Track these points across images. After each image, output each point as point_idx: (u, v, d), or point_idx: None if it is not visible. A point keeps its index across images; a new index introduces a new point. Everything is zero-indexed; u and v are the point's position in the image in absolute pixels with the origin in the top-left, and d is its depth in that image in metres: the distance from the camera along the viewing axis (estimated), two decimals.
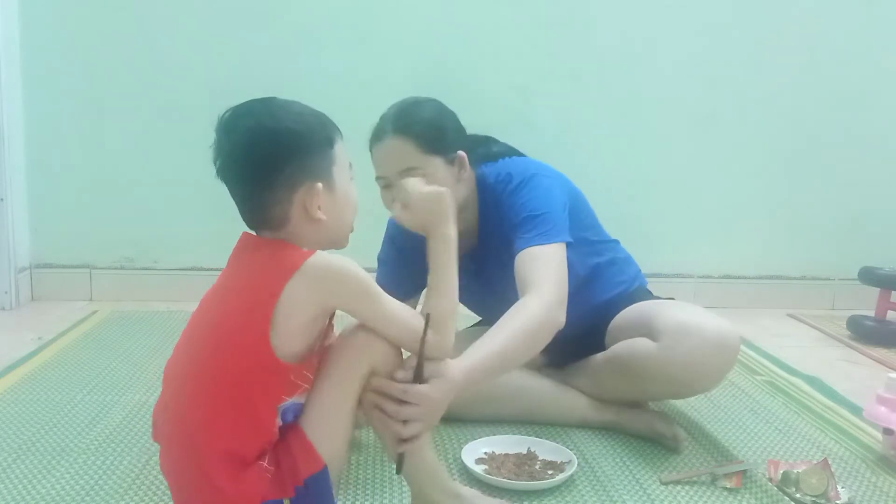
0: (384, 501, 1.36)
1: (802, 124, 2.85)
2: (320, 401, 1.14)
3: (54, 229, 2.71)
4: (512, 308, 1.41)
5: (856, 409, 1.83)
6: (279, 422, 1.12)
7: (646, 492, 1.43)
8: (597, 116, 2.77)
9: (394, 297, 1.19)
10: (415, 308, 1.22)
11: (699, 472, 1.49)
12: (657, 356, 1.51)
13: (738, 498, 1.41)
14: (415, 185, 1.28)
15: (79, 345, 2.22)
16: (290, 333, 1.08)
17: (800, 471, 1.43)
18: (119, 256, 2.75)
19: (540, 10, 2.70)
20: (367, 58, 2.66)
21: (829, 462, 1.46)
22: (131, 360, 2.08)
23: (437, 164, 1.53)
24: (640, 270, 1.83)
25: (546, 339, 1.42)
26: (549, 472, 1.46)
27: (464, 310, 1.69)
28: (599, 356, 1.68)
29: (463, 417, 1.66)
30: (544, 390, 1.70)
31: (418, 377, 1.17)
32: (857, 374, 2.19)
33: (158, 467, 1.43)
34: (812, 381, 2.07)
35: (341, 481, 1.40)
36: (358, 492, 1.39)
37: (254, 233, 1.15)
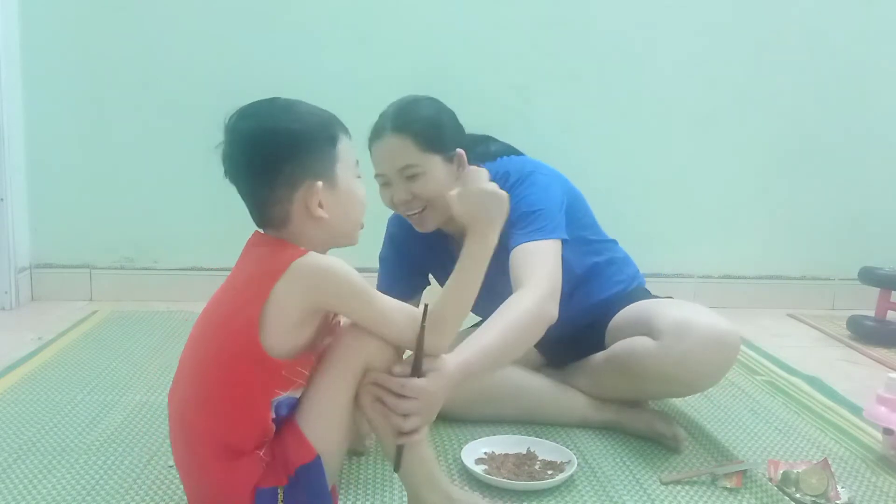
0: (384, 502, 1.36)
1: (802, 124, 2.85)
2: (314, 395, 1.16)
3: (54, 229, 2.71)
4: (505, 302, 1.41)
5: (856, 409, 1.83)
6: (273, 415, 1.15)
7: (646, 492, 1.43)
8: (597, 116, 2.77)
9: (395, 295, 1.20)
10: (417, 307, 1.22)
11: (699, 472, 1.49)
12: (657, 355, 1.51)
13: (738, 498, 1.41)
14: (483, 177, 1.26)
15: (79, 345, 2.21)
16: (280, 332, 1.10)
17: (800, 471, 1.43)
18: (119, 256, 2.75)
19: (540, 10, 2.70)
20: (367, 58, 2.66)
21: (829, 462, 1.46)
22: (132, 360, 2.08)
23: (435, 161, 1.54)
24: (638, 270, 1.83)
25: (539, 332, 1.42)
26: (549, 472, 1.46)
27: None
28: (599, 355, 1.68)
29: (463, 417, 1.66)
30: (544, 390, 1.70)
31: (416, 371, 1.18)
32: (857, 374, 2.19)
33: (159, 467, 1.46)
34: (812, 381, 2.07)
35: (342, 481, 1.41)
36: (359, 492, 1.39)
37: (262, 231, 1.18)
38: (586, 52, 2.74)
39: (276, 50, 2.64)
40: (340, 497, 1.36)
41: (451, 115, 1.60)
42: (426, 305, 1.16)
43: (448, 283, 1.20)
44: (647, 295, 1.77)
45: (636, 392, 1.68)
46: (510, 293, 1.44)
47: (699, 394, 1.76)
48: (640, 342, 1.56)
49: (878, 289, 2.53)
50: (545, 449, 1.54)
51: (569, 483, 1.44)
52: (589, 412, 1.69)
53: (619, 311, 1.70)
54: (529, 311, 1.40)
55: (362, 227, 1.22)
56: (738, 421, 1.78)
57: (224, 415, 1.12)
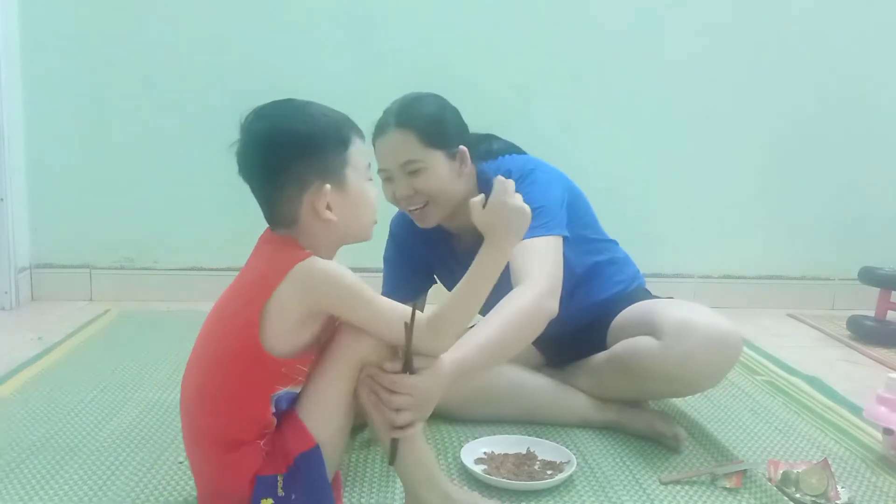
0: (384, 499, 1.36)
1: (802, 124, 2.85)
2: (314, 387, 1.19)
3: (54, 229, 2.71)
4: (504, 298, 1.41)
5: (856, 409, 1.83)
6: (273, 409, 1.18)
7: (646, 492, 1.42)
8: (597, 116, 2.77)
9: (400, 295, 1.21)
10: (422, 311, 1.22)
11: (699, 472, 1.49)
12: (659, 354, 1.51)
13: (738, 498, 1.41)
14: (509, 189, 1.20)
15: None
16: (280, 332, 1.13)
17: (800, 471, 1.43)
18: (119, 256, 2.75)
19: (540, 10, 2.70)
20: (367, 58, 2.66)
21: (829, 462, 1.46)
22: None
23: (438, 157, 1.54)
24: (638, 271, 1.83)
25: (538, 328, 1.42)
26: (549, 472, 1.45)
27: None
28: (601, 355, 1.68)
29: (463, 417, 1.66)
30: (544, 390, 1.70)
31: (407, 368, 1.19)
32: (857, 374, 2.19)
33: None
34: (812, 381, 2.06)
35: (347, 475, 1.41)
36: (363, 486, 1.40)
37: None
38: (586, 51, 2.74)
39: (276, 50, 2.64)
40: (346, 490, 1.36)
41: (455, 113, 1.61)
42: (413, 305, 1.18)
43: (457, 287, 1.19)
44: (647, 295, 1.77)
45: (638, 392, 1.68)
46: (510, 289, 1.44)
47: (699, 394, 1.76)
48: (643, 342, 1.55)
49: (878, 289, 2.53)
50: (545, 449, 1.54)
51: (568, 483, 1.44)
52: (589, 412, 1.69)
53: (619, 311, 1.70)
54: (528, 307, 1.40)
55: (375, 223, 1.24)
56: (738, 421, 1.78)
57: (225, 410, 1.15)
